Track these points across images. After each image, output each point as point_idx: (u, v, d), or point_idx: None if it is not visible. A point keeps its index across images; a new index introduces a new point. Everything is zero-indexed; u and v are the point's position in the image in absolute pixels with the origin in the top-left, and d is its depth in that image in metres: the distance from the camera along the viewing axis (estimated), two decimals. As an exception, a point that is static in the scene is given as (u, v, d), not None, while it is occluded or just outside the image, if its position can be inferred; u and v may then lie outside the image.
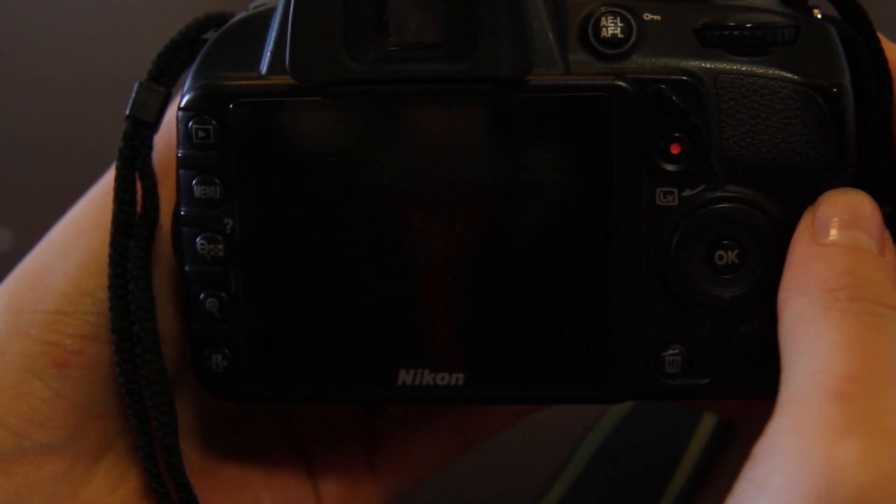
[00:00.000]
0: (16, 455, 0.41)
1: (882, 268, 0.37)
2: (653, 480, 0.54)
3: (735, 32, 0.38)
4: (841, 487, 0.31)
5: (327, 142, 0.39)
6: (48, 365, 0.41)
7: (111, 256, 0.41)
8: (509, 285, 0.40)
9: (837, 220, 0.37)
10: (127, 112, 0.41)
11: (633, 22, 0.38)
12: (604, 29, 0.38)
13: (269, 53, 0.39)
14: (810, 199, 0.39)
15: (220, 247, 0.40)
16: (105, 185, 0.44)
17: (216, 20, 0.41)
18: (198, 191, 0.40)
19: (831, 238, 0.37)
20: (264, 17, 0.39)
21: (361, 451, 0.48)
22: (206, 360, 0.41)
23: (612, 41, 0.38)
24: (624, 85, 0.38)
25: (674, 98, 0.38)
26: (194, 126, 0.39)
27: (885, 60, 0.40)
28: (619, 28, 0.38)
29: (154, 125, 0.41)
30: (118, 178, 0.41)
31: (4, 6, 1.04)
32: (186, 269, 0.41)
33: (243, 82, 0.39)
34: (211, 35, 0.41)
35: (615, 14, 0.38)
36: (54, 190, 0.52)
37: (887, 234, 0.38)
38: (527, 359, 0.40)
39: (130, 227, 0.41)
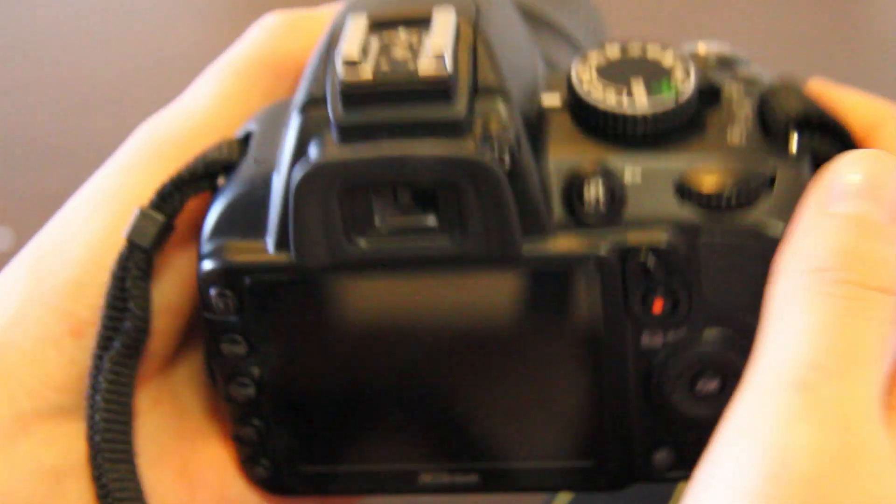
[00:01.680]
0: (34, 414, 0.43)
1: (885, 242, 0.36)
2: (654, 488, 0.54)
3: (712, 194, 0.39)
4: (788, 472, 0.31)
5: (336, 313, 0.41)
6: (64, 334, 0.43)
7: (90, 369, 0.43)
8: (513, 410, 0.42)
9: (848, 186, 0.37)
10: (125, 235, 0.42)
11: (614, 189, 0.39)
12: (586, 196, 0.39)
13: (273, 233, 0.40)
14: None
15: (251, 390, 0.43)
16: (126, 154, 0.45)
17: (223, 164, 0.42)
18: (224, 348, 0.42)
19: (836, 208, 0.36)
20: (266, 182, 0.40)
21: None
22: (253, 468, 0.45)
23: (595, 209, 0.39)
24: (606, 255, 0.39)
25: (655, 265, 0.39)
26: (214, 296, 0.41)
27: None
28: (601, 195, 0.39)
29: (149, 250, 0.42)
30: (107, 295, 0.42)
31: (4, 6, 1.04)
32: (227, 401, 0.43)
33: (254, 259, 0.40)
34: (220, 181, 0.42)
35: (597, 181, 0.39)
36: (54, 190, 0.52)
37: None
38: (532, 463, 0.43)
39: (110, 340, 0.43)
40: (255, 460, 0.44)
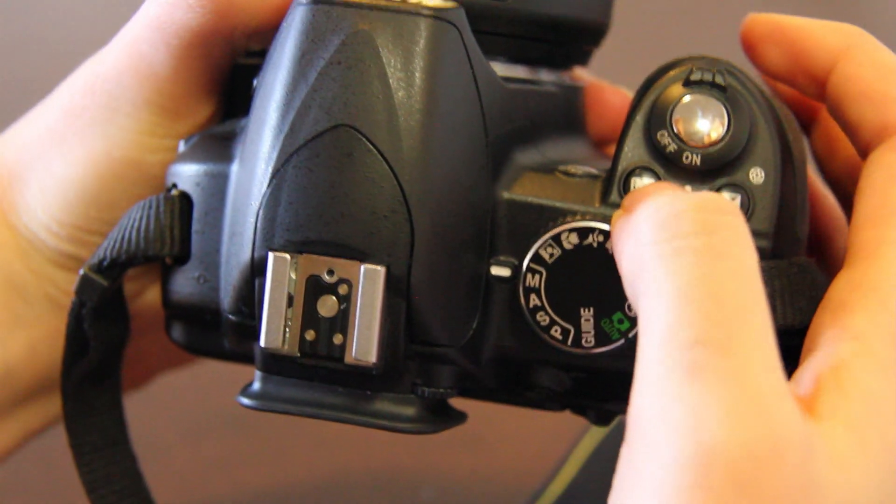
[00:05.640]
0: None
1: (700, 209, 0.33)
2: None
3: None
4: (713, 470, 0.30)
5: None
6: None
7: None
8: None
9: (643, 193, 0.35)
10: (73, 289, 0.42)
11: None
12: None
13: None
14: None
15: None
16: (92, 77, 0.45)
17: (166, 257, 0.42)
18: None
19: (640, 207, 0.34)
20: (215, 313, 0.40)
21: None
22: None
23: None
24: None
25: None
26: None
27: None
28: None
29: (98, 306, 0.42)
30: (67, 342, 0.43)
31: (4, 5, 1.04)
32: None
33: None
34: (168, 260, 0.42)
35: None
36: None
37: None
38: None
39: (71, 370, 0.43)
40: None
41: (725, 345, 0.31)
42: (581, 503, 0.53)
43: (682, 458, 0.30)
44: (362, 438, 0.61)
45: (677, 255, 0.32)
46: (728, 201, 0.33)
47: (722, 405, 0.30)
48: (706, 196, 0.33)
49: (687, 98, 0.37)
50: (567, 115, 0.43)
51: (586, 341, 0.37)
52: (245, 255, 0.37)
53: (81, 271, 0.42)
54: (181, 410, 0.51)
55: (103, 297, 0.42)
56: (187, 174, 0.41)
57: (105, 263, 0.41)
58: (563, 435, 0.57)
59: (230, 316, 0.39)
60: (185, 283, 0.41)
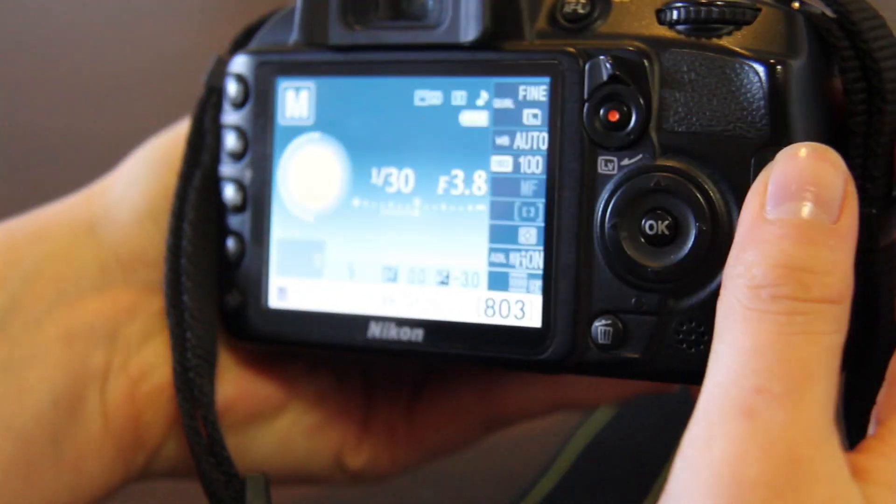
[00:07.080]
0: (122, 286, 0.45)
1: (827, 246, 0.35)
2: (638, 480, 0.54)
3: (689, 9, 0.40)
4: (745, 500, 0.32)
5: (321, 102, 0.45)
6: (167, 212, 0.46)
7: (174, 200, 0.46)
8: (452, 243, 0.43)
9: (784, 189, 0.35)
10: (203, 80, 0.46)
11: (596, 2, 0.41)
12: (569, 5, 0.42)
13: (294, 31, 0.45)
14: (745, 174, 0.38)
15: (241, 196, 0.46)
16: (175, 135, 0.47)
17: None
18: (229, 144, 0.46)
19: (775, 214, 0.35)
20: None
21: (403, 414, 0.50)
22: (224, 298, 0.46)
23: (575, 17, 0.42)
24: (571, 51, 0.41)
25: (615, 70, 0.40)
26: (229, 86, 0.46)
27: (874, 59, 0.38)
28: (581, 5, 0.41)
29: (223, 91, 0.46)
30: (189, 133, 0.46)
31: (4, 5, 1.04)
32: (224, 214, 0.46)
33: (265, 48, 0.45)
34: None
35: None
36: (56, 189, 0.52)
37: (850, 190, 0.36)
38: (472, 320, 0.43)
39: (192, 172, 0.46)
40: (228, 286, 0.46)
41: (781, 398, 0.33)
42: (571, 499, 0.53)
43: (721, 486, 0.33)
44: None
45: (764, 318, 0.34)
46: (834, 284, 0.35)
47: (760, 453, 0.33)
48: (811, 282, 0.34)
49: None
50: None
51: None
52: None
53: (215, 56, 0.46)
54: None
55: None
56: None
57: (239, 39, 0.47)
58: (554, 432, 0.57)
59: None
60: None
